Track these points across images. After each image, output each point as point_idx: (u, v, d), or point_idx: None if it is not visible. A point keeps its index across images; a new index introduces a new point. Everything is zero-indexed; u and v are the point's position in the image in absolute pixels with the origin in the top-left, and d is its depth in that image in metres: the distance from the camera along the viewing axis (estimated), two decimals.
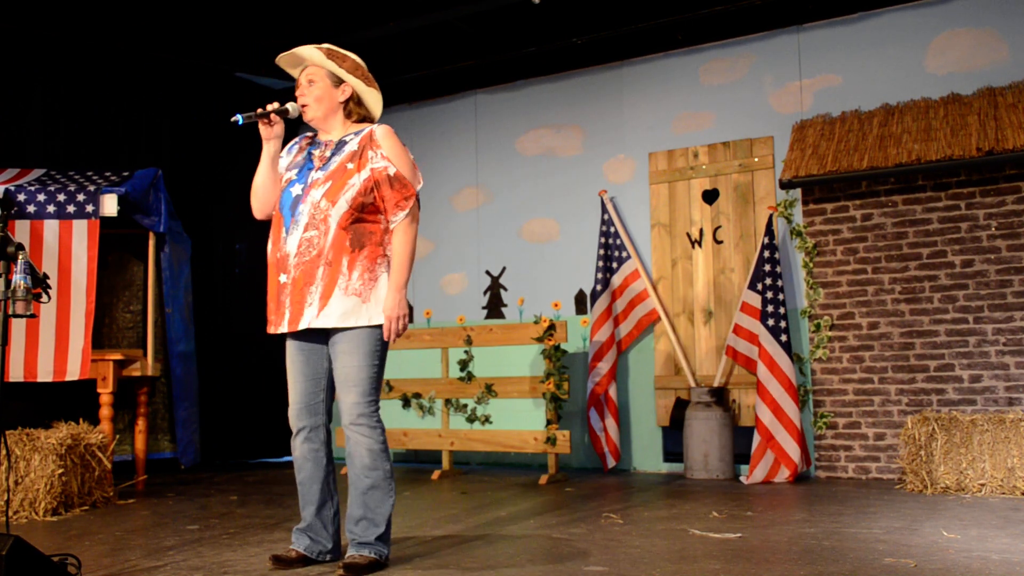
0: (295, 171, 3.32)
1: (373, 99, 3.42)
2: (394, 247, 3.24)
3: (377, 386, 3.23)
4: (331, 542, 3.34)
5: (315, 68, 3.33)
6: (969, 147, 5.40)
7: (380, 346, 3.23)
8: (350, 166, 3.22)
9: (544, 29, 6.56)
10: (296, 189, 3.26)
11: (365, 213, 3.21)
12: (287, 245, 3.22)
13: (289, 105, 3.34)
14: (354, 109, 3.39)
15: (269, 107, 3.32)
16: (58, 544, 3.78)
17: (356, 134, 3.32)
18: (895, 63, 6.04)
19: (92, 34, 6.53)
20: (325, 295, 3.16)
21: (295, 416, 3.32)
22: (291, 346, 3.32)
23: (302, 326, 3.19)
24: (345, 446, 3.25)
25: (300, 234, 3.19)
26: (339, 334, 3.21)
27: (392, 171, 3.21)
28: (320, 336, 3.28)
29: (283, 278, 3.23)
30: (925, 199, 5.78)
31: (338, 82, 3.34)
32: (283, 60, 3.40)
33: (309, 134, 3.48)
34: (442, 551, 3.54)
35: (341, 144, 3.31)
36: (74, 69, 6.86)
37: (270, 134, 3.34)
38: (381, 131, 3.30)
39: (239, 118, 3.23)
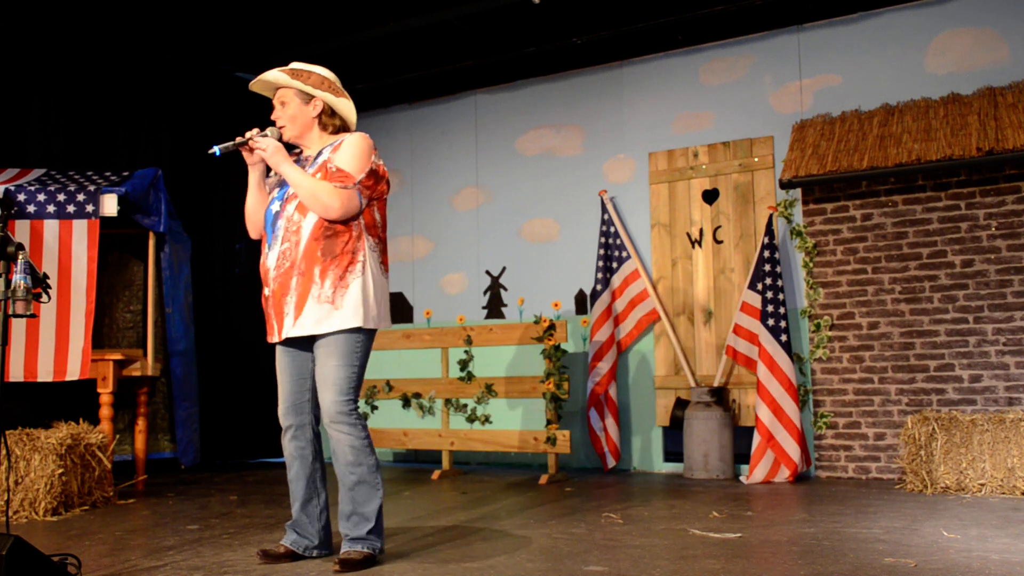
0: (276, 189, 3.48)
1: (345, 108, 3.51)
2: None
3: (355, 386, 3.33)
4: (317, 538, 3.44)
5: (284, 89, 3.46)
6: (969, 147, 5.40)
7: (359, 349, 3.33)
8: (318, 176, 3.33)
9: (544, 29, 6.55)
10: (275, 206, 3.42)
11: (337, 223, 3.32)
12: (268, 260, 3.39)
13: (269, 130, 3.44)
14: (328, 121, 3.49)
15: (248, 134, 3.42)
16: (58, 544, 3.79)
17: (331, 145, 3.44)
18: (895, 63, 6.04)
19: (92, 34, 6.53)
20: (299, 304, 3.30)
21: (282, 415, 3.48)
22: (279, 351, 3.48)
23: (284, 335, 3.34)
24: (331, 445, 3.36)
25: (278, 248, 3.35)
26: (320, 339, 3.33)
27: (333, 167, 3.33)
28: (304, 341, 3.42)
29: (266, 291, 3.41)
30: (925, 199, 5.78)
31: (308, 98, 3.45)
32: (256, 87, 3.52)
33: (296, 151, 3.58)
34: (441, 550, 3.54)
35: (318, 156, 3.44)
36: (74, 69, 6.86)
37: (253, 159, 3.48)
38: (349, 139, 3.41)
39: (216, 150, 3.34)
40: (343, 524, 3.30)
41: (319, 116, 3.45)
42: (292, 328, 3.30)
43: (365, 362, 3.37)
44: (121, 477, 5.76)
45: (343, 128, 3.52)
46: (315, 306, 3.26)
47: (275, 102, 3.47)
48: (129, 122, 7.21)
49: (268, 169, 3.57)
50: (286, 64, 3.55)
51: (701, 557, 3.33)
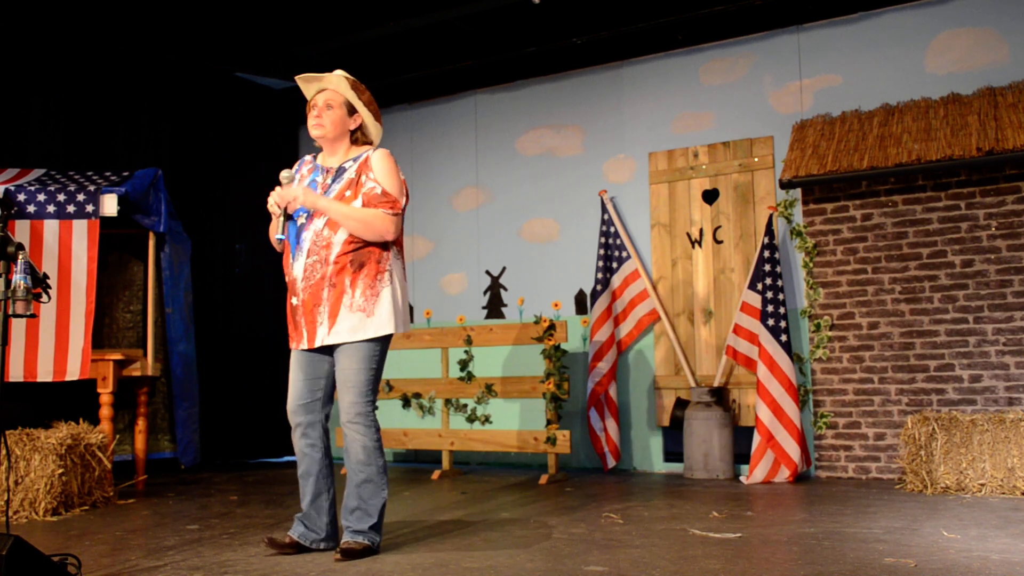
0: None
1: (376, 132, 3.70)
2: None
3: (374, 388, 3.49)
4: (324, 531, 3.57)
5: (335, 93, 3.60)
6: (969, 147, 5.40)
7: (378, 353, 3.50)
8: (347, 194, 3.49)
9: (544, 29, 6.55)
10: (300, 218, 3.54)
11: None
12: (294, 270, 3.52)
13: (283, 176, 3.54)
14: (359, 136, 3.67)
15: (278, 204, 3.49)
16: (58, 544, 3.79)
17: (354, 160, 3.58)
18: (895, 63, 6.04)
19: (92, 34, 6.53)
20: (333, 314, 3.44)
21: (291, 413, 3.59)
22: (296, 353, 3.60)
23: (318, 344, 3.48)
24: (343, 443, 3.50)
25: (304, 260, 3.48)
26: (343, 343, 3.47)
27: (379, 190, 3.48)
28: (326, 346, 3.53)
29: (295, 300, 3.54)
30: (925, 199, 5.78)
31: (352, 111, 3.61)
32: (305, 77, 3.63)
33: (308, 159, 3.72)
34: (441, 549, 3.54)
35: (341, 171, 3.57)
36: (74, 69, 6.86)
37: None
38: (377, 156, 3.56)
39: (280, 236, 3.48)
40: (346, 517, 3.46)
41: (354, 131, 3.63)
42: (328, 337, 3.45)
43: (383, 364, 3.55)
44: (121, 477, 5.76)
45: (366, 144, 3.67)
46: (348, 315, 3.43)
47: (320, 100, 3.58)
48: (129, 122, 7.21)
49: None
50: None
51: (701, 557, 3.33)
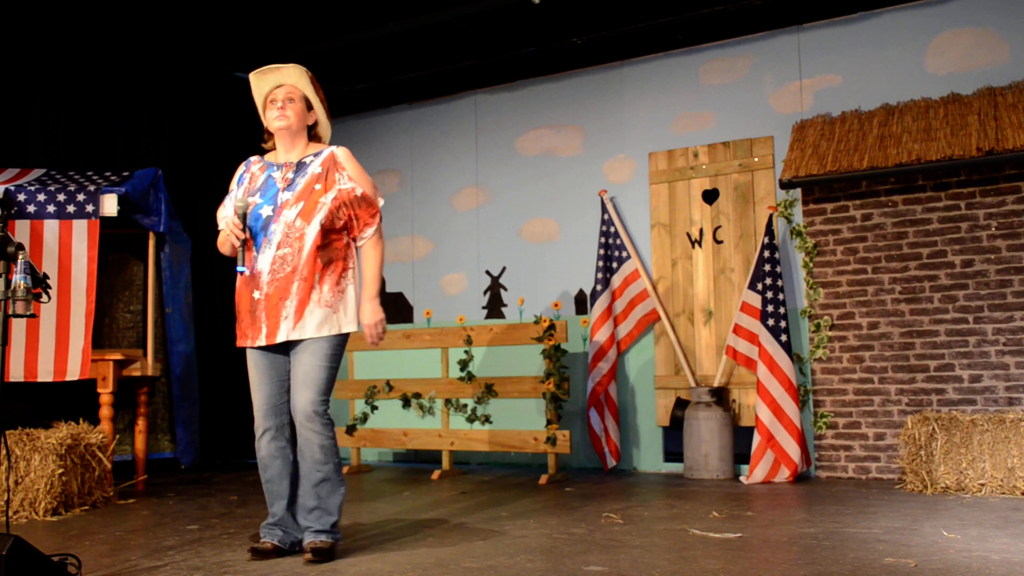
0: (258, 195, 3.54)
1: (327, 130, 3.71)
2: (366, 261, 3.54)
3: (330, 387, 3.47)
4: (301, 533, 3.54)
5: (294, 88, 3.57)
6: (969, 147, 5.40)
7: (340, 351, 3.50)
8: (318, 187, 3.47)
9: (544, 29, 6.55)
10: (266, 210, 3.48)
11: (333, 232, 3.48)
12: (259, 263, 3.46)
13: (237, 206, 3.52)
14: (315, 132, 3.67)
15: (239, 232, 3.46)
16: (58, 544, 3.79)
17: (315, 155, 3.56)
18: (895, 63, 6.05)
19: (92, 34, 6.53)
20: (300, 308, 3.41)
21: (262, 417, 3.52)
22: (256, 354, 3.54)
23: (280, 339, 3.42)
24: (298, 442, 3.48)
25: (273, 252, 3.44)
26: (306, 340, 3.44)
27: (359, 191, 3.49)
28: (284, 344, 3.50)
29: (256, 294, 3.47)
30: (925, 199, 5.78)
31: (309, 107, 3.60)
32: (264, 70, 3.58)
33: (255, 159, 3.68)
34: (441, 550, 3.54)
35: (302, 165, 3.54)
36: (74, 69, 6.85)
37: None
38: (343, 153, 3.56)
39: (244, 270, 3.46)
40: (305, 517, 3.45)
41: (311, 126, 3.63)
42: (292, 331, 3.40)
43: (339, 365, 3.54)
44: (121, 477, 5.77)
45: (319, 141, 3.68)
46: (316, 310, 3.41)
47: (280, 94, 3.54)
48: (129, 121, 7.21)
49: (238, 183, 3.66)
50: (285, 64, 3.61)
51: (701, 557, 3.33)
